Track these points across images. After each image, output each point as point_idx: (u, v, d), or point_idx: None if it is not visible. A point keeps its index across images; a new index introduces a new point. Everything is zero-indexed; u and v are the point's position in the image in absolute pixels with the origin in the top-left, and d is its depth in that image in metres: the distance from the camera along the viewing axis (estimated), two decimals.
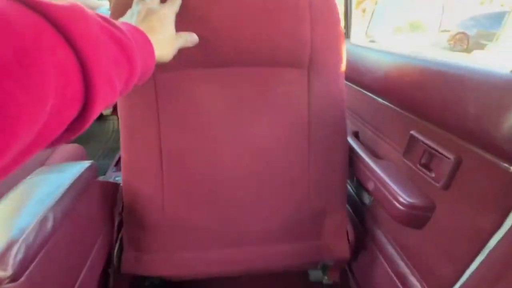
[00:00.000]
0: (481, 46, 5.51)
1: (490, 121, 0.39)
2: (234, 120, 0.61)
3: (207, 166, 0.62)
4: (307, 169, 0.64)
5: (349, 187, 0.85)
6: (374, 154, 0.70)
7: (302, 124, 0.62)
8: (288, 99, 0.61)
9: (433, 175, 0.51)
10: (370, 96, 0.73)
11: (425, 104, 0.52)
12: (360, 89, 0.78)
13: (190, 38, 0.48)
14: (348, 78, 0.84)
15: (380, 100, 0.68)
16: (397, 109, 0.61)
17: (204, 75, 0.58)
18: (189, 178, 0.62)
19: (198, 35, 0.49)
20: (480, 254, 0.41)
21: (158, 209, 0.63)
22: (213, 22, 0.53)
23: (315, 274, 0.83)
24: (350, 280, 0.82)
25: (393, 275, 0.60)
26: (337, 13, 0.59)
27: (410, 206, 0.52)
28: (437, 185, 0.49)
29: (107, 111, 1.67)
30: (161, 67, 0.47)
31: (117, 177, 1.12)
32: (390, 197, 0.56)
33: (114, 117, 1.83)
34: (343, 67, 0.62)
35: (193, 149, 0.61)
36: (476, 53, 4.76)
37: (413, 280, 0.54)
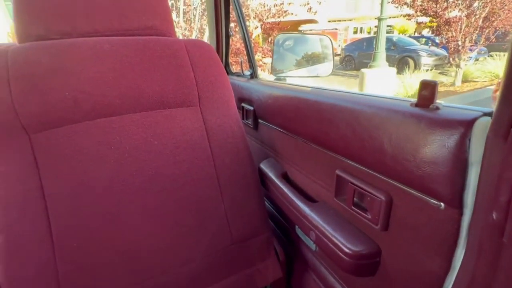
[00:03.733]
0: (365, 65, 6.82)
1: (407, 158, 0.37)
2: (133, 169, 0.57)
3: (109, 226, 0.54)
4: (221, 200, 0.64)
5: (269, 206, 0.87)
6: (307, 196, 0.65)
7: (207, 157, 0.64)
8: (186, 136, 0.62)
9: (369, 216, 0.47)
10: (292, 136, 0.69)
11: (343, 142, 0.49)
12: (279, 129, 0.75)
13: None
14: (264, 118, 0.81)
15: (301, 139, 0.64)
16: (319, 148, 0.58)
17: (91, 127, 0.54)
18: (89, 243, 0.53)
19: (78, 87, 0.53)
20: None
21: None
22: (93, 73, 0.55)
23: None
24: None
25: None
26: (213, 54, 0.68)
27: (357, 256, 0.47)
28: (376, 227, 0.45)
29: None
30: (36, 125, 0.50)
31: None
32: (335, 249, 0.50)
33: None
34: (230, 98, 0.69)
35: (90, 209, 0.53)
36: (363, 70, 5.82)
37: None
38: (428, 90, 0.34)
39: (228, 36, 1.03)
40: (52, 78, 0.52)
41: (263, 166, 0.80)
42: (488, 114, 0.31)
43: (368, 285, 0.52)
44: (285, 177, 0.74)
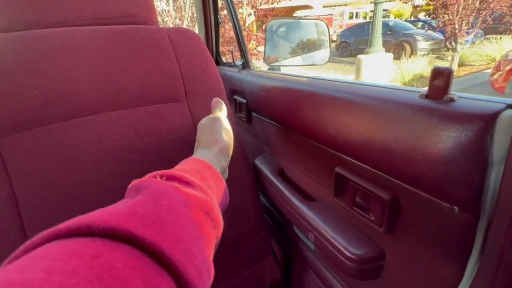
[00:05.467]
0: (361, 51, 6.72)
1: (416, 158, 0.33)
2: (116, 172, 0.52)
3: None
4: None
5: (265, 202, 0.83)
6: (305, 195, 0.61)
7: None
8: (173, 134, 0.57)
9: (372, 217, 0.43)
10: (287, 130, 0.65)
11: (343, 138, 0.45)
12: (274, 123, 0.70)
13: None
14: (258, 111, 0.76)
15: (297, 134, 0.60)
16: (317, 143, 0.54)
17: (65, 128, 0.49)
18: None
19: (49, 85, 0.47)
20: None
21: None
22: (65, 68, 0.49)
23: None
24: None
25: None
26: (200, 43, 0.62)
27: (359, 260, 0.44)
28: (379, 229, 0.42)
29: None
30: (3, 128, 0.45)
31: None
32: (336, 252, 0.47)
33: None
34: (220, 90, 0.63)
35: (70, 218, 0.46)
36: (360, 56, 5.72)
37: None
38: (441, 79, 0.30)
39: (217, 24, 0.97)
40: (18, 75, 0.47)
41: (258, 162, 0.76)
42: None
43: (371, 287, 0.49)
44: (281, 174, 0.70)
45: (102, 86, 0.51)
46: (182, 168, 0.33)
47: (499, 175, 0.27)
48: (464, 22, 5.85)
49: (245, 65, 0.87)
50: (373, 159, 0.40)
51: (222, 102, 0.51)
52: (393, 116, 0.35)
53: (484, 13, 5.80)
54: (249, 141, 0.85)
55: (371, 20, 5.81)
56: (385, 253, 0.43)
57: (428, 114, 0.31)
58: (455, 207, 0.31)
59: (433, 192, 0.33)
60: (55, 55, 0.49)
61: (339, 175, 0.48)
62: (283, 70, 0.86)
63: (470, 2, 5.66)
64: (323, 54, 0.86)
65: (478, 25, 6.02)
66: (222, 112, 0.49)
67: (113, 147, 0.52)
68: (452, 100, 0.30)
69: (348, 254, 0.45)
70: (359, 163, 0.43)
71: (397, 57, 6.74)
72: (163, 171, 0.30)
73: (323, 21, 0.86)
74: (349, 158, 0.46)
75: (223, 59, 1.09)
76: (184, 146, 0.58)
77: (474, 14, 5.79)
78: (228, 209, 0.61)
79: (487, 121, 0.26)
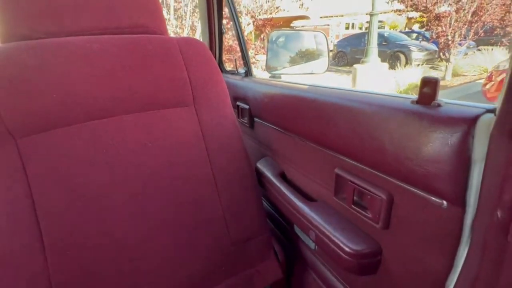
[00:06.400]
0: (357, 60, 6.86)
1: (408, 157, 0.36)
2: (128, 172, 0.54)
3: (104, 232, 0.52)
4: (218, 201, 0.64)
5: (267, 205, 0.86)
6: (305, 196, 0.64)
7: (203, 158, 0.62)
8: (181, 137, 0.61)
9: (369, 215, 0.46)
10: (288, 135, 0.68)
11: (342, 141, 0.48)
12: (276, 128, 0.74)
13: None
14: (260, 117, 0.80)
15: (298, 137, 0.64)
16: (317, 146, 0.57)
17: (81, 130, 0.52)
18: (83, 251, 0.51)
19: (67, 89, 0.51)
20: None
21: None
22: (82, 74, 0.53)
23: None
24: None
25: None
26: (207, 52, 0.66)
27: (358, 255, 0.46)
28: (376, 225, 0.45)
29: None
30: (22, 129, 0.48)
31: None
32: (336, 248, 0.50)
33: None
34: (225, 96, 0.67)
35: (83, 217, 0.52)
36: (356, 66, 5.85)
37: None
38: (429, 87, 0.34)
39: (221, 33, 1.01)
40: (38, 79, 0.50)
41: (260, 165, 0.79)
42: (491, 111, 0.30)
43: (369, 283, 0.51)
44: (283, 176, 0.73)
45: (116, 91, 0.55)
46: None
47: (481, 172, 0.30)
48: (456, 33, 6.03)
49: (248, 73, 0.91)
50: (370, 159, 0.43)
51: None
52: (387, 120, 0.39)
53: (476, 26, 5.99)
54: (251, 145, 0.89)
55: (367, 30, 5.96)
56: (382, 249, 0.46)
57: (418, 118, 0.35)
58: (444, 201, 0.34)
59: (424, 188, 0.36)
60: (73, 62, 0.52)
61: (339, 176, 0.52)
62: (284, 78, 0.91)
63: (462, 15, 5.85)
64: (322, 63, 0.91)
65: (470, 36, 6.20)
66: None
67: (125, 148, 0.55)
68: (439, 105, 0.34)
69: (347, 249, 0.47)
70: (357, 164, 0.47)
71: (392, 66, 6.90)
72: None
73: (321, 32, 0.91)
74: (347, 160, 0.49)
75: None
76: (191, 149, 0.61)
77: (466, 26, 5.98)
78: (231, 211, 0.64)
79: (469, 124, 0.30)
